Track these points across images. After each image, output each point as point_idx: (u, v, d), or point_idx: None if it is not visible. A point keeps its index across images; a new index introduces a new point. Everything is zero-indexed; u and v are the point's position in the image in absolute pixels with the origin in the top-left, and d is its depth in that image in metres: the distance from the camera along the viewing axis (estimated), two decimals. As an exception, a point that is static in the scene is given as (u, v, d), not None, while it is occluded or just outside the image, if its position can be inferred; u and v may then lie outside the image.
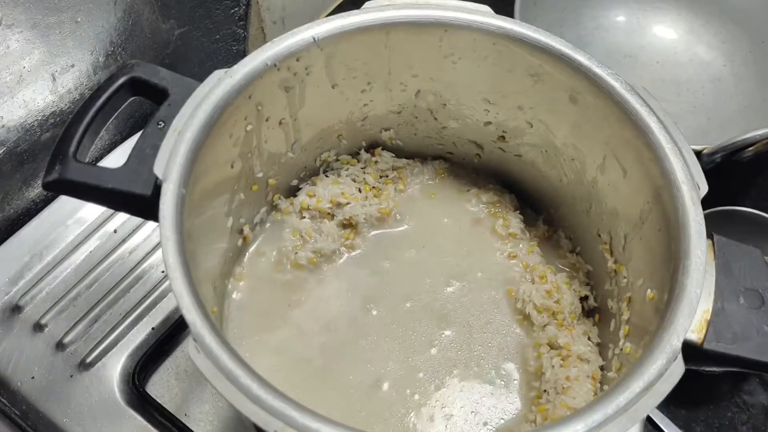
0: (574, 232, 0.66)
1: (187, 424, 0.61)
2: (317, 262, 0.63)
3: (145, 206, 0.48)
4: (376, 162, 0.68)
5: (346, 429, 0.40)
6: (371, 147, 0.69)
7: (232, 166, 0.57)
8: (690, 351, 0.44)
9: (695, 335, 0.45)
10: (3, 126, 0.64)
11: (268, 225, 0.65)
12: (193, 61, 0.82)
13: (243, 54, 0.86)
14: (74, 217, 0.71)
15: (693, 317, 0.45)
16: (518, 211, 0.68)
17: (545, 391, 0.57)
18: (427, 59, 0.59)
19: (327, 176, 0.67)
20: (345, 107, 0.63)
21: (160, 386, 0.64)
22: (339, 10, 0.97)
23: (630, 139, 0.53)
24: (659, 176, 0.51)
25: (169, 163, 0.47)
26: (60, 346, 0.64)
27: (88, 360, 0.64)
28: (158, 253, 0.70)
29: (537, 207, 0.69)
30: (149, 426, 0.60)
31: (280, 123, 0.59)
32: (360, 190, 0.66)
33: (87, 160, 0.49)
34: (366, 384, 0.57)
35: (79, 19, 0.65)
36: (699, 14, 0.96)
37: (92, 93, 0.51)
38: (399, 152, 0.69)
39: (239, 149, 0.56)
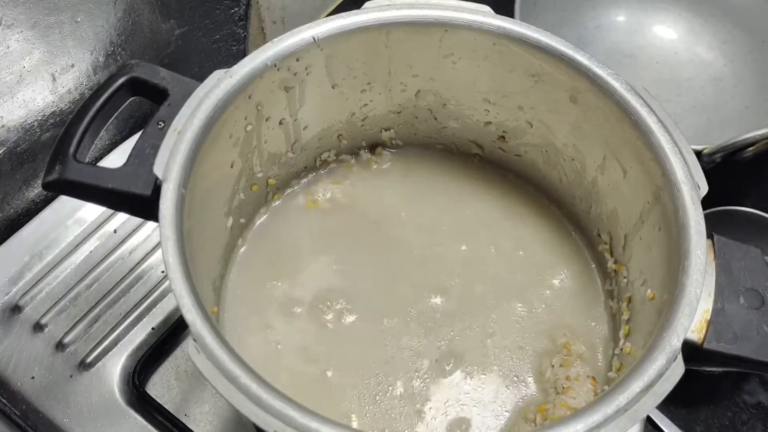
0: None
1: (187, 424, 0.61)
2: (317, 262, 0.63)
3: (145, 206, 0.48)
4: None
5: (346, 429, 0.40)
6: (371, 147, 0.69)
7: (232, 166, 0.57)
8: (690, 351, 0.44)
9: (695, 335, 0.45)
10: (3, 126, 0.64)
11: (268, 225, 0.65)
12: (193, 61, 0.82)
13: (243, 54, 0.86)
14: (74, 217, 0.71)
15: (693, 317, 0.44)
16: (518, 211, 0.68)
17: (545, 391, 0.57)
18: (427, 59, 0.59)
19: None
20: (345, 107, 0.63)
21: (160, 386, 0.64)
22: (339, 10, 0.97)
23: (630, 139, 0.53)
24: (659, 176, 0.51)
25: (169, 163, 0.47)
26: (60, 346, 0.64)
27: (88, 360, 0.64)
28: (158, 253, 0.70)
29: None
30: (149, 426, 0.60)
31: (280, 123, 0.59)
32: (360, 190, 0.66)
33: (87, 160, 0.49)
34: (365, 381, 0.57)
35: (79, 19, 0.65)
36: (699, 14, 0.96)
37: (92, 93, 0.51)
38: (399, 152, 0.69)
39: (239, 149, 0.56)
